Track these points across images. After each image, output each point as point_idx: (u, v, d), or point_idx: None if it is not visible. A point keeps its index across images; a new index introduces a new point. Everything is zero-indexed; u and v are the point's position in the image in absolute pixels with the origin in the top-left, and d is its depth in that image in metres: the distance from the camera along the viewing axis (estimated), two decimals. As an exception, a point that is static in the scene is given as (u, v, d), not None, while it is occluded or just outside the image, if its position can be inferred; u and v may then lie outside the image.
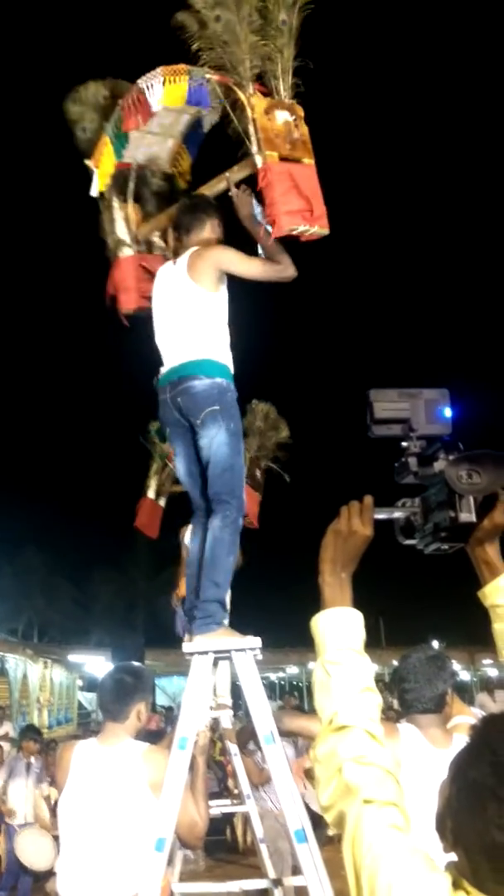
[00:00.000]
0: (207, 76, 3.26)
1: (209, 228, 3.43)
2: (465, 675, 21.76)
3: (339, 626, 1.36)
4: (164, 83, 3.25)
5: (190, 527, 3.98)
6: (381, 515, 1.55)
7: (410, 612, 30.63)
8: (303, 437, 8.70)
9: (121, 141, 3.47)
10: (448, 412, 1.66)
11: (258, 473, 6.84)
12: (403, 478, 1.64)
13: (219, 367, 3.22)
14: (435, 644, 27.38)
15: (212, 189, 3.57)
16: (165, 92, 3.26)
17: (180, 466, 3.39)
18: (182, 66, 3.27)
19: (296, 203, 3.08)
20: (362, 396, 1.70)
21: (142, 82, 3.30)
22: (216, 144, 3.74)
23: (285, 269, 3.17)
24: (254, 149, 3.16)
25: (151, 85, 3.28)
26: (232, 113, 3.28)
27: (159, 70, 3.29)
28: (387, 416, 1.66)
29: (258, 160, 3.15)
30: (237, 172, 3.36)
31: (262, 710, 2.75)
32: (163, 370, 3.32)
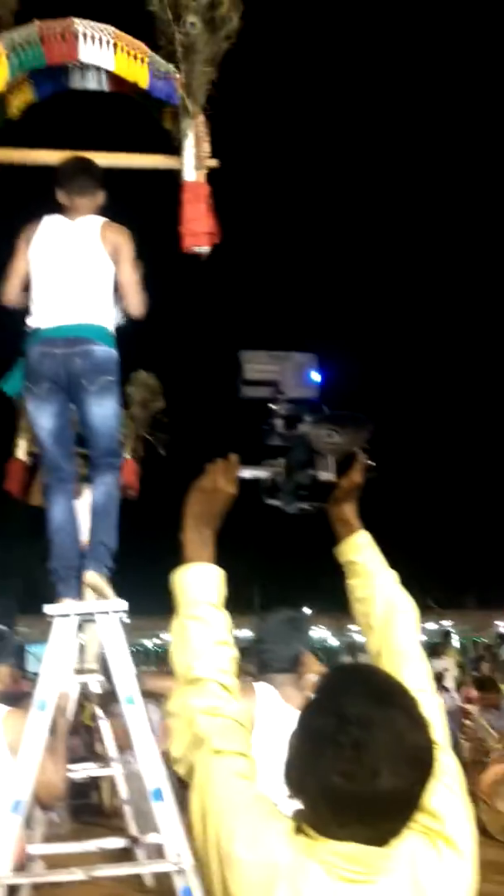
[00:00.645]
0: (170, 71, 3.33)
1: (99, 198, 3.47)
2: (333, 641, 22.58)
3: (197, 581, 1.37)
4: (116, 49, 3.27)
5: None
6: (245, 474, 1.56)
7: (284, 580, 31.44)
8: (178, 405, 8.66)
9: (21, 62, 3.34)
10: (315, 376, 1.69)
11: (136, 444, 6.77)
12: (271, 440, 1.66)
13: (113, 340, 3.33)
14: (306, 610, 28.35)
15: (108, 160, 3.56)
16: (119, 61, 3.34)
17: (48, 424, 3.31)
18: (142, 45, 3.31)
19: (208, 225, 3.41)
20: (235, 359, 1.70)
21: (80, 27, 3.26)
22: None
23: (143, 305, 3.38)
24: (187, 160, 3.33)
25: (94, 38, 3.27)
26: (169, 116, 3.41)
27: (111, 29, 3.28)
28: (257, 377, 1.68)
29: (190, 173, 3.32)
30: (153, 161, 3.47)
31: (124, 673, 2.75)
32: (50, 321, 3.25)
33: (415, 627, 1.55)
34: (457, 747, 8.55)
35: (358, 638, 23.87)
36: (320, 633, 23.81)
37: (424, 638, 21.47)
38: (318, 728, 1.11)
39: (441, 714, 1.38)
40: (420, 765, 1.10)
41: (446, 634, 23.85)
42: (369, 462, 1.62)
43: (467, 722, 8.84)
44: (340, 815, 1.08)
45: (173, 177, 3.53)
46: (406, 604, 1.57)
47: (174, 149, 3.54)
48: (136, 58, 3.34)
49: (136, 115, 3.78)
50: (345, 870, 1.08)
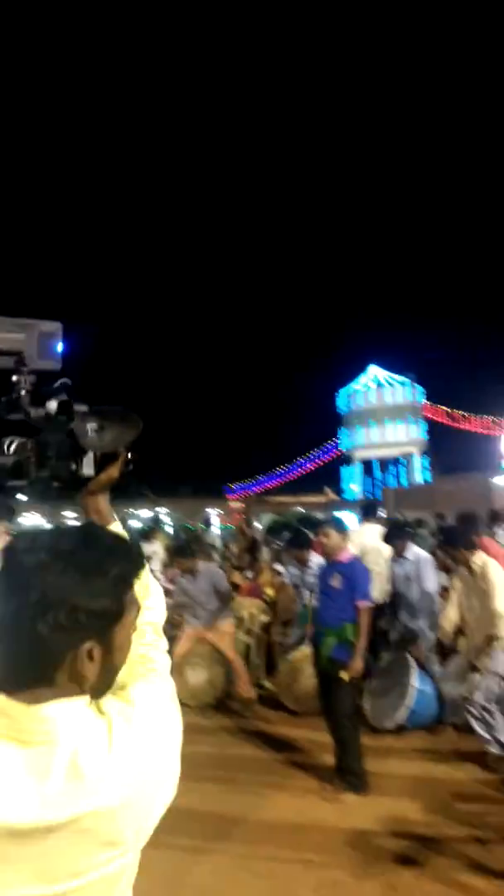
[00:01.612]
0: None
1: None
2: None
3: None
4: None
5: None
6: None
7: None
8: None
9: None
10: (60, 347, 1.60)
11: None
12: (12, 413, 1.55)
13: None
14: (20, 497, 27.72)
15: None
16: None
17: None
18: None
19: None
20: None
21: None
22: None
23: None
24: None
25: None
26: None
27: None
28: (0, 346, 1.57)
29: None
30: None
31: None
32: None
33: (160, 620, 1.63)
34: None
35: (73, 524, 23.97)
36: (34, 520, 23.59)
37: (140, 525, 22.27)
38: None
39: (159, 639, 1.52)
40: (72, 619, 1.15)
41: (157, 520, 24.96)
42: (130, 457, 1.60)
43: (167, 599, 9.37)
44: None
45: None
46: (155, 595, 1.63)
47: None
48: None
49: None
50: None
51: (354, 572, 5.56)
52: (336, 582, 5.52)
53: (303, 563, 7.78)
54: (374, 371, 56.52)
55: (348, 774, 5.28)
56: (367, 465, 55.97)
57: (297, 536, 8.35)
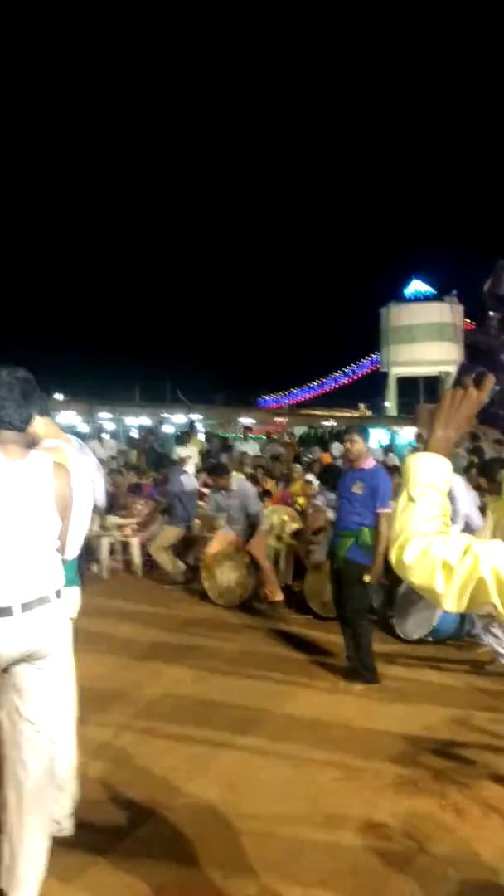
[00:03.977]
0: None
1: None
2: (83, 427, 22.74)
3: (433, 468, 1.53)
4: None
5: None
6: None
7: (36, 366, 30.62)
8: None
9: None
10: None
11: None
12: None
13: None
14: (58, 396, 28.03)
15: None
16: None
17: None
18: None
19: None
20: None
21: None
22: None
23: None
24: None
25: None
26: None
27: None
28: None
29: None
30: None
31: None
32: None
33: None
34: (189, 523, 9.25)
35: (107, 425, 24.25)
36: (70, 418, 23.82)
37: (173, 430, 22.34)
38: None
39: None
40: None
41: (192, 425, 25.08)
42: None
43: (201, 503, 9.51)
44: None
45: None
46: None
47: None
48: None
49: None
50: None
51: (377, 480, 5.63)
52: (358, 489, 5.60)
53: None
54: (417, 286, 55.09)
55: (361, 668, 5.48)
56: (405, 382, 55.28)
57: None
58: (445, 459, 1.53)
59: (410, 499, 1.49)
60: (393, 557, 1.46)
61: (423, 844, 3.37)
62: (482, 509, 6.57)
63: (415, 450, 13.19)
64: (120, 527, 9.41)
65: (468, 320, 54.17)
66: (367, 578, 5.48)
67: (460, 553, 1.38)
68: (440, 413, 1.56)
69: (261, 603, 7.80)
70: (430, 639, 6.44)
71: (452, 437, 1.55)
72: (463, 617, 6.38)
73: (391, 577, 7.18)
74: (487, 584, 1.35)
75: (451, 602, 1.39)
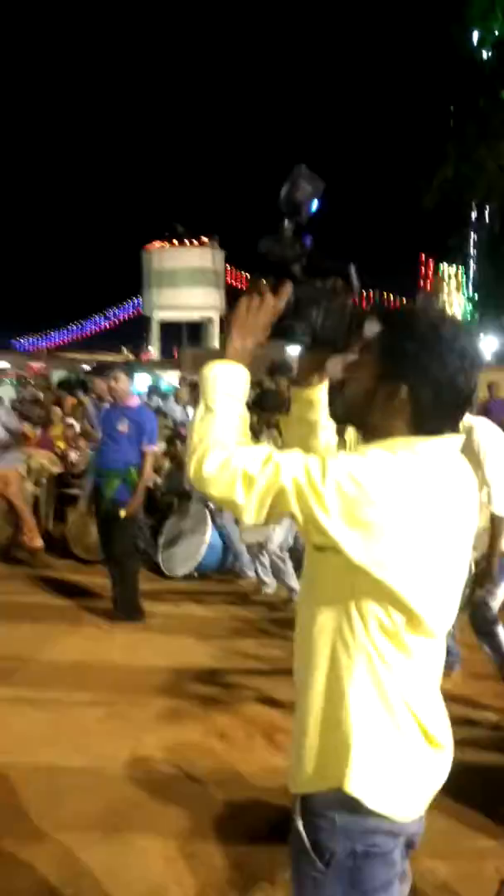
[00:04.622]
0: None
1: None
2: None
3: (231, 378, 1.45)
4: None
5: None
6: None
7: None
8: None
9: None
10: None
11: None
12: None
13: None
14: None
15: None
16: None
17: None
18: None
19: None
20: None
21: None
22: None
23: None
24: None
25: None
26: None
27: None
28: None
29: None
30: None
31: None
32: None
33: None
34: None
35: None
36: None
37: None
38: None
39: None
40: None
41: None
42: None
43: None
44: None
45: None
46: None
47: None
48: None
49: None
50: None
51: (143, 417, 5.59)
52: (123, 426, 5.51)
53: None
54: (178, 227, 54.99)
55: (126, 608, 5.46)
56: (168, 327, 55.39)
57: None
58: (244, 368, 1.47)
59: (209, 409, 1.41)
60: (191, 470, 1.37)
61: (187, 771, 3.41)
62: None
63: (176, 393, 13.25)
64: None
65: (229, 266, 55.36)
66: (122, 513, 5.40)
67: (260, 463, 1.33)
68: (236, 320, 1.49)
69: (20, 550, 7.44)
70: (196, 574, 6.52)
71: (249, 346, 1.49)
72: (225, 551, 6.54)
73: (155, 516, 7.18)
74: (288, 493, 1.31)
75: (252, 513, 1.34)
